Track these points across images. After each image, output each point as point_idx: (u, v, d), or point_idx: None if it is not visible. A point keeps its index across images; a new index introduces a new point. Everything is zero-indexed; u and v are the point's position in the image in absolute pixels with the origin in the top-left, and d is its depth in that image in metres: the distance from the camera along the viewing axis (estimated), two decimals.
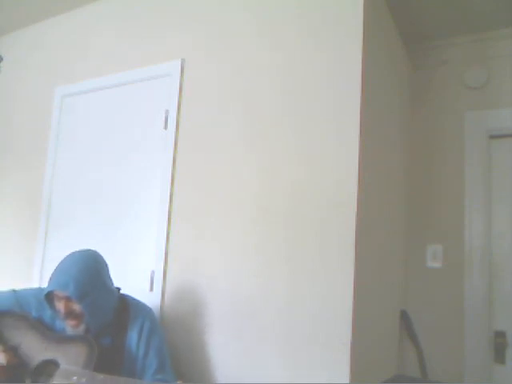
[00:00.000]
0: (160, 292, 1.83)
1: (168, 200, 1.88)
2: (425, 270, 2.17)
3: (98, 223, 2.10)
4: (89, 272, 1.44)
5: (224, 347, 1.64)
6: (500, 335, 2.00)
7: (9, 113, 2.73)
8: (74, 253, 1.52)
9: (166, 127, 1.96)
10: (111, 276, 1.58)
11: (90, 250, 1.58)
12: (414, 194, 2.26)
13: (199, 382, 1.65)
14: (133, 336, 1.48)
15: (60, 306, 1.42)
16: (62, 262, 1.48)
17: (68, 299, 1.40)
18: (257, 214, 1.66)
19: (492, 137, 2.14)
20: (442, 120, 2.25)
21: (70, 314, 1.41)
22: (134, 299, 1.61)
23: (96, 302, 1.42)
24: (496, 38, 2.15)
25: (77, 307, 1.41)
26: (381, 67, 1.82)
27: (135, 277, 1.91)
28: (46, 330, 1.46)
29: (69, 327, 1.44)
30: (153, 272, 1.87)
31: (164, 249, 1.85)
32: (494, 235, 2.08)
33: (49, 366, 1.35)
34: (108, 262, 1.99)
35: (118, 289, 1.60)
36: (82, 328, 1.43)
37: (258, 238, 1.64)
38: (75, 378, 1.21)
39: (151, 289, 1.85)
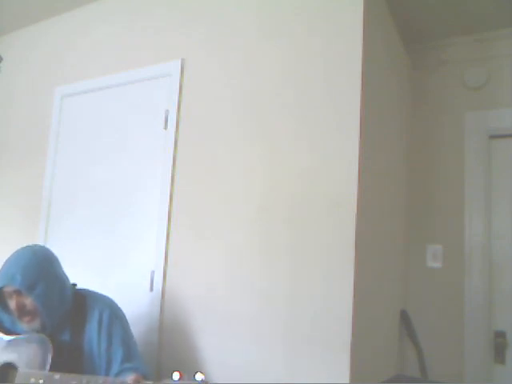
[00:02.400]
0: (160, 292, 1.82)
1: (168, 200, 1.88)
2: (425, 270, 2.17)
3: (97, 223, 2.10)
4: (36, 262, 1.39)
5: (224, 347, 1.64)
6: (500, 335, 2.00)
7: (9, 112, 2.73)
8: (20, 248, 1.47)
9: (165, 127, 1.96)
10: (65, 271, 1.52)
11: (37, 244, 1.54)
12: (414, 194, 2.26)
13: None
14: (92, 329, 1.42)
15: (11, 303, 1.36)
16: (8, 258, 1.43)
17: (18, 294, 1.35)
18: (258, 214, 1.66)
19: (492, 137, 2.14)
20: (441, 120, 2.25)
21: (22, 310, 1.35)
22: (91, 292, 1.55)
23: (47, 292, 1.36)
24: (496, 38, 2.15)
25: (28, 302, 1.35)
26: (381, 67, 1.82)
27: (135, 277, 1.91)
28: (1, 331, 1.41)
29: (24, 325, 1.38)
30: (153, 272, 1.87)
31: (164, 249, 1.85)
32: (493, 235, 2.08)
33: (7, 370, 1.31)
34: (108, 261, 2.01)
35: (74, 284, 1.54)
36: (37, 323, 1.37)
37: (260, 238, 1.64)
38: (33, 380, 1.20)
39: (151, 289, 1.85)
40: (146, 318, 1.83)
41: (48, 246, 2.26)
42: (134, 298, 1.86)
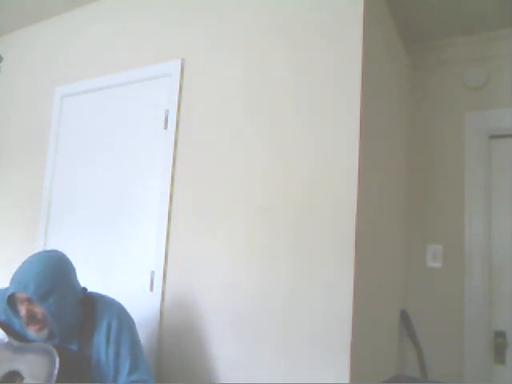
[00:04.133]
0: (160, 292, 1.83)
1: (168, 200, 1.88)
2: (425, 270, 2.17)
3: (97, 223, 2.10)
4: (51, 271, 1.36)
5: (224, 347, 1.64)
6: (500, 335, 2.00)
7: (9, 113, 2.73)
8: (36, 253, 1.45)
9: (165, 127, 1.96)
10: (78, 279, 1.51)
11: (55, 250, 1.50)
12: (414, 194, 2.26)
13: (199, 382, 1.66)
14: (101, 337, 1.41)
15: (22, 309, 1.35)
16: (24, 262, 1.41)
17: (29, 302, 1.33)
18: (258, 214, 1.66)
19: (492, 137, 2.14)
20: (441, 120, 2.25)
21: (31, 318, 1.34)
22: (101, 297, 1.53)
23: (59, 303, 1.34)
24: (496, 38, 2.15)
25: (39, 310, 1.33)
26: (381, 67, 1.82)
27: (135, 277, 1.91)
28: (10, 337, 1.39)
29: (32, 332, 1.36)
30: (153, 272, 1.87)
31: (164, 249, 1.85)
32: (493, 235, 2.08)
33: (13, 378, 1.30)
34: (108, 261, 2.01)
35: (85, 289, 1.52)
36: (45, 333, 1.36)
37: (260, 238, 1.64)
38: None
39: (151, 289, 1.85)
40: (146, 317, 1.83)
41: (48, 246, 2.27)
42: (133, 298, 1.86)
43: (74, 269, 1.49)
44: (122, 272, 1.96)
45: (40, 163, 2.43)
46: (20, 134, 2.62)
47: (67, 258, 1.50)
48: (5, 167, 2.65)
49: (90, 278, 1.90)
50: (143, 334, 1.80)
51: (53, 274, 1.36)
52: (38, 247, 2.28)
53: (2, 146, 2.69)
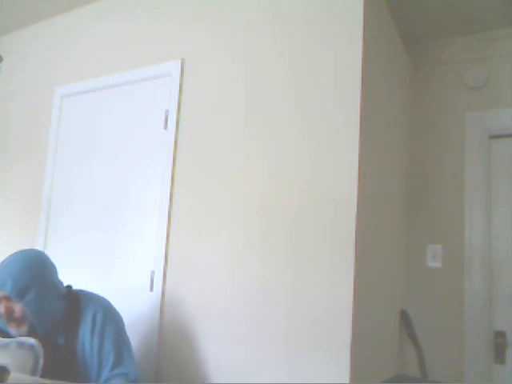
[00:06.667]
0: (160, 292, 1.83)
1: (168, 200, 1.88)
2: (425, 270, 2.17)
3: (97, 223, 2.10)
4: (28, 268, 1.37)
5: (224, 347, 1.64)
6: (500, 335, 2.00)
7: (9, 113, 2.73)
8: (14, 253, 1.45)
9: (165, 127, 1.96)
10: (59, 276, 1.51)
11: (32, 249, 1.51)
12: (414, 194, 2.26)
13: (199, 382, 1.66)
14: (85, 331, 1.40)
15: (1, 308, 1.35)
16: (2, 261, 1.41)
17: (8, 300, 1.34)
18: (259, 214, 1.66)
19: (492, 137, 2.14)
20: (442, 120, 2.25)
21: (10, 315, 1.34)
22: (85, 293, 1.53)
23: (38, 299, 1.34)
24: (496, 37, 2.15)
25: (17, 308, 1.34)
26: (381, 67, 1.82)
27: (135, 277, 1.91)
28: None
29: (12, 329, 1.37)
30: (153, 272, 1.87)
31: (164, 249, 1.85)
32: (493, 235, 2.08)
33: (0, 373, 1.28)
34: (108, 261, 2.01)
35: (69, 286, 1.53)
36: (24, 328, 1.36)
37: (260, 238, 1.64)
38: None
39: (151, 289, 1.85)
40: (146, 317, 1.83)
41: (48, 246, 2.27)
42: (133, 298, 1.87)
43: (53, 266, 1.50)
44: (122, 272, 1.96)
45: (40, 163, 2.43)
46: (20, 134, 2.62)
47: (46, 256, 1.50)
48: (5, 167, 2.65)
49: (90, 278, 1.91)
50: (143, 333, 1.80)
51: (30, 271, 1.37)
52: (39, 247, 2.28)
53: (2, 145, 2.69)
